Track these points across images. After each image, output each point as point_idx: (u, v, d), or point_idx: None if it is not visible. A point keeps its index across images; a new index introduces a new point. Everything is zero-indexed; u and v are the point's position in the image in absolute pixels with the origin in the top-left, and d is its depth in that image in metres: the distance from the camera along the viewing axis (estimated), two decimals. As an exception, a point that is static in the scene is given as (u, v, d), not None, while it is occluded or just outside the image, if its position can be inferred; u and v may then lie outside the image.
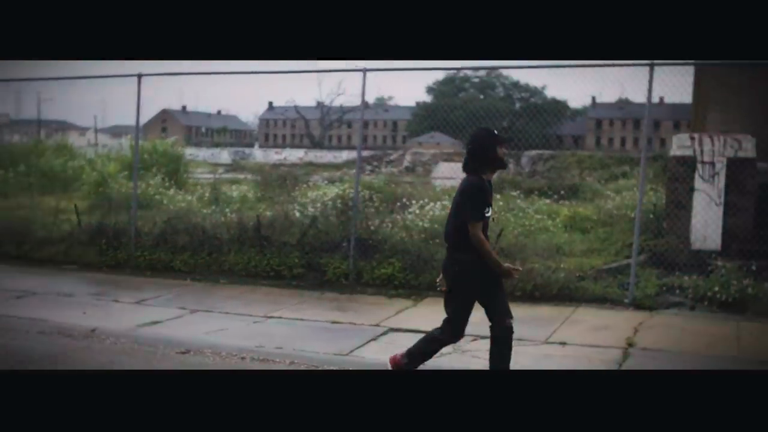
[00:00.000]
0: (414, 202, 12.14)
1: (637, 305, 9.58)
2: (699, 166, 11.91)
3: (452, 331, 6.11)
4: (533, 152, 32.16)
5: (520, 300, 9.83)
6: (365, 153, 42.48)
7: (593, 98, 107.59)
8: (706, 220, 11.81)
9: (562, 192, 16.97)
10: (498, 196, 14.51)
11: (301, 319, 8.98)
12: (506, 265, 5.85)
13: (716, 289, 9.64)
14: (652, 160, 25.99)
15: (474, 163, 5.74)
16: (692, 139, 11.99)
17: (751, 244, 11.66)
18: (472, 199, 5.64)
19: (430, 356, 6.23)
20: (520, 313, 9.26)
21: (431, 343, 6.19)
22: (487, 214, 5.73)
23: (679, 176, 11.96)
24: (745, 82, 16.05)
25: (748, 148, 11.86)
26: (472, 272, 5.78)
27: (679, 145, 12.10)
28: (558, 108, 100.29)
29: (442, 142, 68.82)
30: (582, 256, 11.40)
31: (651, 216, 12.50)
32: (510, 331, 5.98)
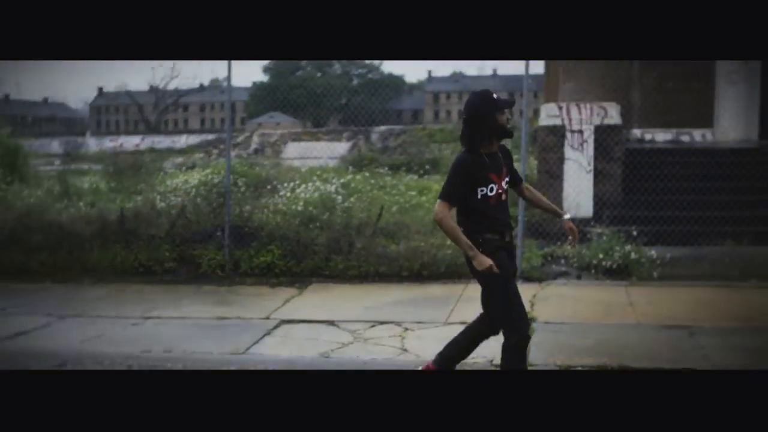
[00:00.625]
0: (286, 185, 11.60)
1: (526, 278, 9.50)
2: (568, 134, 11.98)
3: (514, 329, 4.88)
4: (383, 128, 32.07)
5: (408, 280, 9.60)
6: (210, 137, 41.35)
7: (429, 72, 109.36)
8: (578, 188, 11.91)
9: (427, 167, 16.86)
10: (367, 174, 14.19)
11: (183, 318, 8.33)
12: (483, 257, 4.76)
13: (601, 256, 9.68)
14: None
15: (471, 134, 4.85)
16: (560, 108, 12.04)
17: (621, 210, 11.86)
18: (450, 177, 4.89)
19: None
20: (413, 294, 9.07)
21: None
22: (491, 193, 4.85)
23: (550, 146, 12.00)
24: (596, 51, 16.32)
25: (613, 115, 12.03)
26: (499, 250, 4.88)
27: (548, 114, 12.13)
28: (396, 83, 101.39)
29: (283, 121, 68.04)
30: (460, 231, 11.22)
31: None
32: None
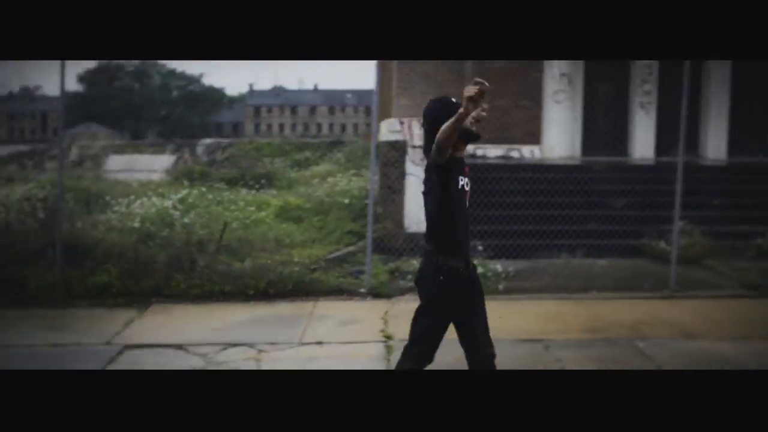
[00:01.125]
0: (120, 200, 11.00)
1: (375, 294, 9.40)
2: (409, 150, 12.04)
3: (420, 356, 4.62)
4: (209, 140, 31.36)
5: (255, 299, 9.28)
6: (22, 148, 38.98)
7: (251, 85, 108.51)
8: (419, 204, 11.87)
9: (263, 181, 16.53)
10: (204, 189, 13.73)
11: (10, 346, 7.63)
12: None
13: (447, 271, 9.71)
14: (331, 145, 26.48)
15: (433, 143, 4.30)
16: (401, 123, 12.09)
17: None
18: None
19: None
20: (261, 313, 8.76)
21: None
22: (462, 184, 4.51)
23: (391, 161, 12.01)
24: (431, 69, 16.62)
25: (453, 131, 12.16)
26: (460, 282, 4.51)
27: (389, 129, 12.14)
28: (216, 96, 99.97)
29: (100, 133, 65.49)
30: (303, 247, 11.03)
31: (367, 202, 12.45)
32: (492, 358, 4.69)
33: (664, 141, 16.59)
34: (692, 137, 17.19)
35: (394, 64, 18.83)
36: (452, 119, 4.05)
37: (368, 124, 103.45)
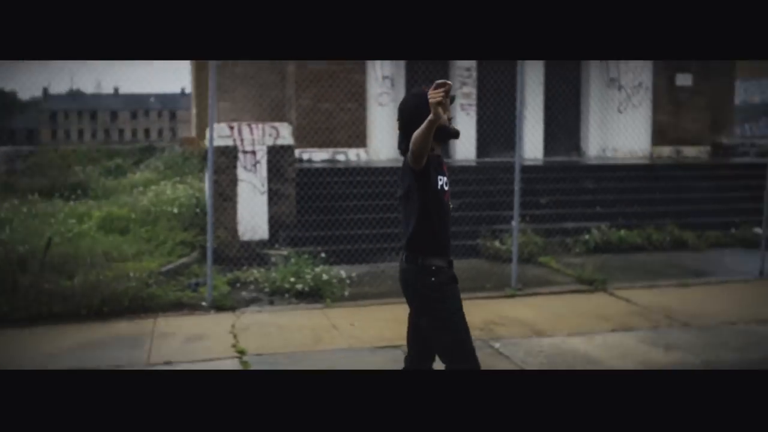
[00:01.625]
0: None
1: (218, 307, 8.98)
2: (241, 155, 11.66)
3: (468, 363, 4.33)
4: (6, 148, 29.33)
5: (89, 319, 8.60)
6: None
7: (45, 89, 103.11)
8: (252, 211, 11.63)
9: (78, 191, 15.55)
10: (16, 202, 12.72)
11: None
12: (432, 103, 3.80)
13: (292, 279, 9.47)
14: (143, 151, 25.43)
15: (408, 140, 4.07)
16: (231, 128, 11.68)
17: (297, 231, 11.79)
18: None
19: None
20: (99, 335, 8.13)
21: None
22: (441, 184, 4.24)
23: (222, 167, 11.57)
24: (252, 71, 16.26)
25: (285, 135, 11.92)
26: (450, 279, 4.35)
27: (219, 134, 11.68)
28: (6, 100, 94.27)
29: None
30: (135, 261, 10.40)
31: (197, 210, 11.97)
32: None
33: (483, 142, 17.07)
34: (511, 138, 17.80)
35: (211, 65, 18.29)
36: (424, 127, 3.86)
37: (173, 129, 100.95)
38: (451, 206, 4.42)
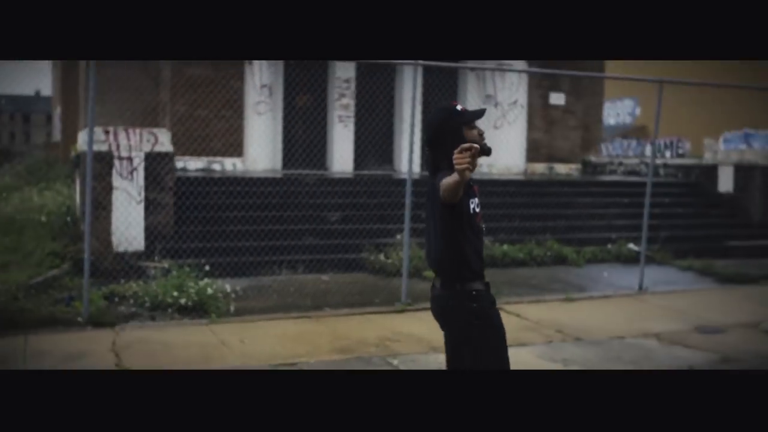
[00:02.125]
0: None
1: (95, 323, 8.38)
2: (116, 162, 11.06)
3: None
4: None
5: (-52, 336, 7.87)
6: None
7: None
8: (127, 220, 11.04)
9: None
10: None
11: None
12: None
13: (175, 293, 8.98)
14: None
15: (437, 156, 3.95)
16: (107, 133, 11.06)
17: (174, 242, 11.28)
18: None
19: None
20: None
21: None
22: (473, 207, 3.97)
23: (96, 174, 10.92)
24: (126, 75, 15.58)
25: (164, 141, 11.41)
26: (491, 303, 4.02)
27: (94, 139, 11.05)
28: None
29: None
30: (0, 272, 9.67)
31: (68, 219, 11.26)
32: None
33: (360, 154, 16.92)
34: (388, 151, 17.76)
35: (81, 67, 17.46)
36: (452, 184, 3.61)
37: (27, 133, 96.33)
38: (483, 227, 4.11)
